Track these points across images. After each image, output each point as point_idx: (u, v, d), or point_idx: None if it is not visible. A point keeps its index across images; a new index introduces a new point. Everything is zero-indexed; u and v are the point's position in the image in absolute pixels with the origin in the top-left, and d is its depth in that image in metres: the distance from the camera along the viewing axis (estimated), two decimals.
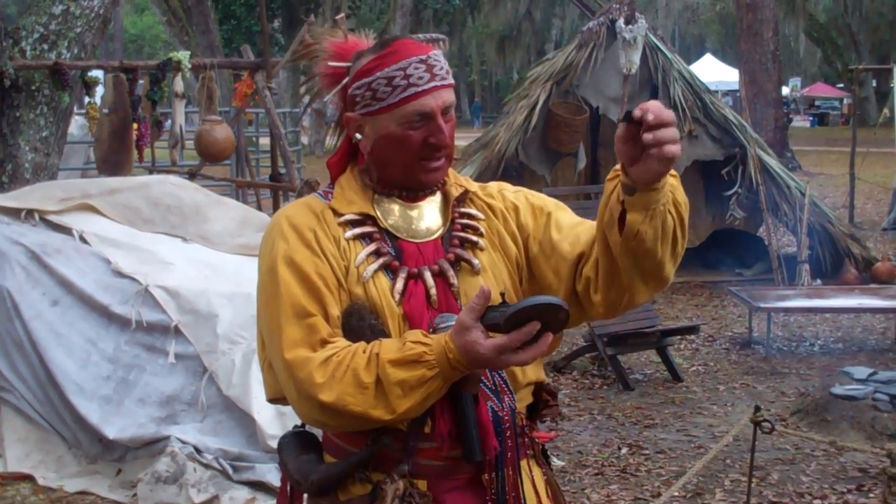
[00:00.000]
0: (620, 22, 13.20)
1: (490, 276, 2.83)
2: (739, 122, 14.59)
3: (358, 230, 2.82)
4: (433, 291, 2.77)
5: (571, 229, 2.86)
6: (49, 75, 10.16)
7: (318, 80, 3.00)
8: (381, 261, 2.78)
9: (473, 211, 2.92)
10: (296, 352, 2.69)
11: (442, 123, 2.77)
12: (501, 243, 2.90)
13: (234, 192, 15.72)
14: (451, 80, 2.82)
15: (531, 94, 14.48)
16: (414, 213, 2.88)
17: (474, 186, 2.99)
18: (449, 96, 2.80)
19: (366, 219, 2.84)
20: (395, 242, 2.84)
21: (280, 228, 2.83)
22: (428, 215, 2.89)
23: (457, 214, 2.90)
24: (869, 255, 14.53)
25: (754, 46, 27.60)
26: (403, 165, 2.81)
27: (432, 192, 2.91)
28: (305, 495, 2.88)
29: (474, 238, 2.87)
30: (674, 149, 2.45)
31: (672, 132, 2.45)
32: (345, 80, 2.88)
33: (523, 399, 2.88)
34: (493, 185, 3.03)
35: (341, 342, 2.70)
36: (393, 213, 2.87)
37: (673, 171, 2.58)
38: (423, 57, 2.77)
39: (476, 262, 2.83)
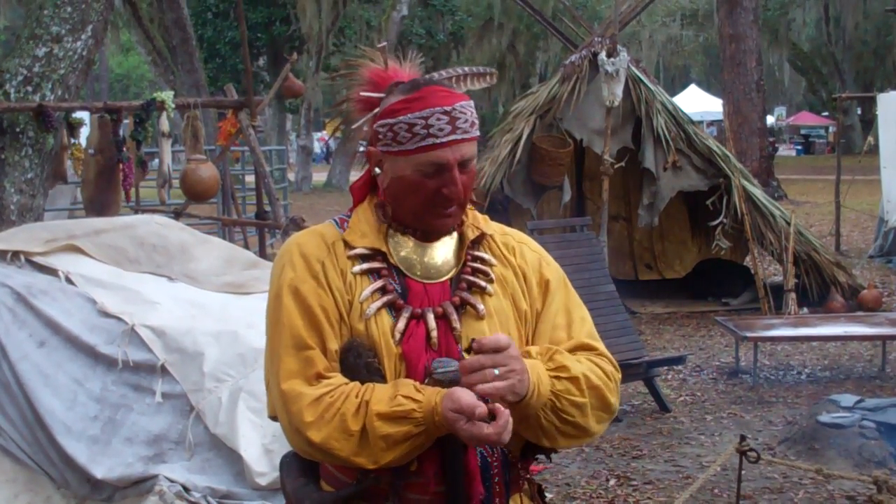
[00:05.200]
0: (602, 55, 13.24)
1: (495, 322, 2.83)
2: (723, 153, 14.64)
3: (366, 265, 2.84)
4: (434, 334, 2.78)
5: (545, 334, 2.92)
6: (33, 117, 10.19)
7: (350, 104, 3.02)
8: (385, 298, 2.80)
9: (487, 255, 2.92)
10: (291, 383, 2.74)
11: (457, 176, 2.78)
12: (513, 294, 2.90)
13: (220, 231, 15.75)
14: (474, 133, 2.82)
15: (515, 128, 14.52)
16: (426, 252, 2.88)
17: (492, 229, 2.99)
18: (469, 150, 2.80)
19: (376, 254, 2.86)
20: (403, 280, 2.85)
21: (290, 256, 2.86)
22: (440, 255, 2.89)
23: (469, 257, 2.90)
24: (855, 282, 14.58)
25: (738, 76, 27.71)
26: (414, 209, 2.83)
27: (448, 233, 2.91)
28: None
29: (483, 283, 2.87)
30: (488, 388, 2.62)
31: (480, 376, 2.62)
32: (375, 111, 2.90)
33: (518, 442, 2.87)
34: (515, 236, 3.03)
35: (336, 379, 2.74)
36: (405, 249, 2.88)
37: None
38: (448, 108, 2.77)
39: (481, 307, 2.83)
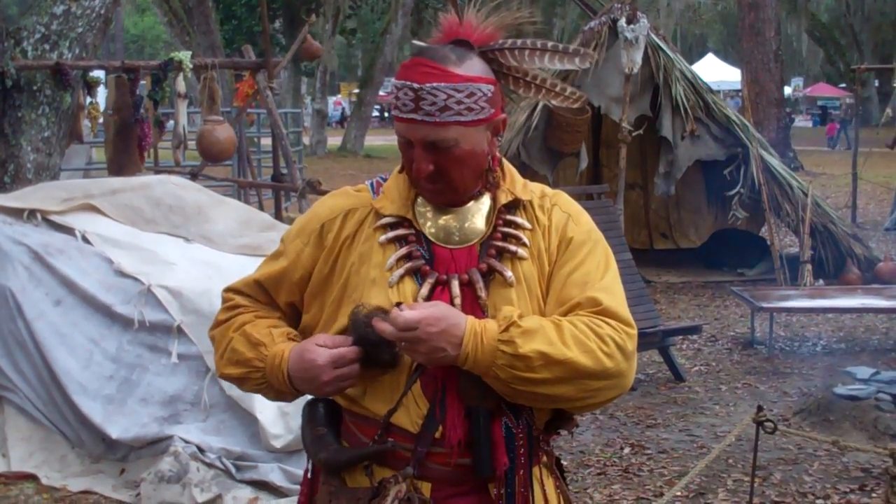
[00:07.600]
0: (622, 21, 13.13)
1: (523, 290, 2.74)
2: (741, 122, 14.55)
3: (392, 234, 2.78)
4: (457, 301, 2.70)
5: (554, 299, 2.79)
6: (51, 75, 10.18)
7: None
8: (408, 265, 2.74)
9: (520, 220, 2.81)
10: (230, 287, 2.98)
11: (420, 155, 2.68)
12: (541, 258, 2.79)
13: (236, 193, 15.74)
14: (445, 119, 2.65)
15: None
16: (452, 217, 2.80)
17: (529, 193, 2.86)
18: (431, 134, 2.66)
19: (402, 221, 2.79)
20: (430, 246, 2.78)
21: (306, 212, 2.94)
22: (469, 220, 2.80)
23: (500, 222, 2.80)
24: (871, 255, 14.50)
25: (756, 46, 27.58)
26: (410, 175, 2.80)
27: (476, 197, 2.82)
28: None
29: (513, 248, 2.76)
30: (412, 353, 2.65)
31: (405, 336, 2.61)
32: None
33: (543, 416, 2.83)
34: (551, 197, 2.90)
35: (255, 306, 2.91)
36: (431, 215, 2.81)
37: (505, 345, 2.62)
38: (415, 86, 2.65)
39: (509, 273, 2.73)
